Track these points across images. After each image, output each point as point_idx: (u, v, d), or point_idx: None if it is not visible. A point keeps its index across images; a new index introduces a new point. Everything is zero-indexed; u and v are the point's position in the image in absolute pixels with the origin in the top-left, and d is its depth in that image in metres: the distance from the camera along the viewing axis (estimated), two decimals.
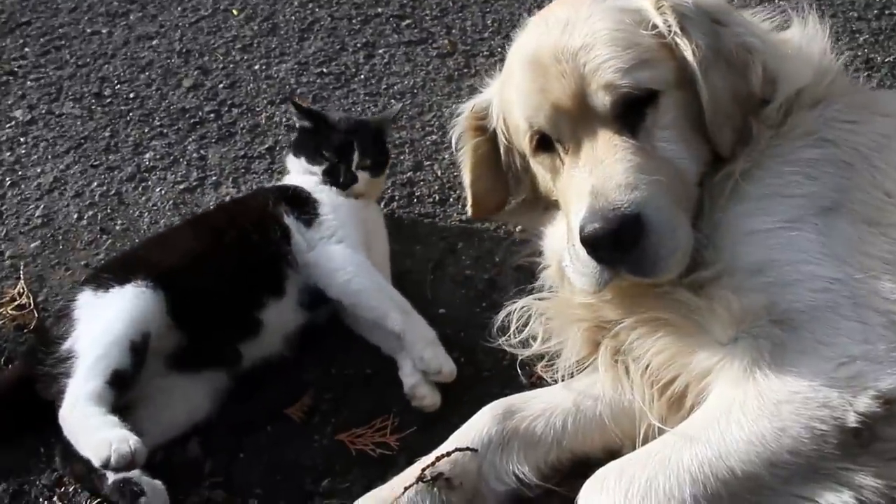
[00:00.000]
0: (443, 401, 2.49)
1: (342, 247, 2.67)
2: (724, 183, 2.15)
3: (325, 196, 2.81)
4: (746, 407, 1.85)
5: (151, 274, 2.45)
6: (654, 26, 2.18)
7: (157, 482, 2.22)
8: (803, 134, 2.16)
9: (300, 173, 2.93)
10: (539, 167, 2.39)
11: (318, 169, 2.86)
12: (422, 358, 2.46)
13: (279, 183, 3.02)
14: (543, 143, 2.29)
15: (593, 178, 2.08)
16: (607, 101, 2.13)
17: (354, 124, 2.95)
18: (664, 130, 2.16)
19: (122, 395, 2.31)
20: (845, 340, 1.85)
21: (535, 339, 2.49)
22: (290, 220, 2.71)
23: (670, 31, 2.17)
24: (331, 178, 2.84)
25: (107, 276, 2.49)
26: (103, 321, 2.36)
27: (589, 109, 2.15)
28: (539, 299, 2.50)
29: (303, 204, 2.77)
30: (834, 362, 1.83)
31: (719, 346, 1.98)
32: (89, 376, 2.27)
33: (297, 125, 3.01)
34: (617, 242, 2.00)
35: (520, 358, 2.50)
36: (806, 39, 2.39)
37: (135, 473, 2.19)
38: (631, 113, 2.15)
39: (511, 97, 2.35)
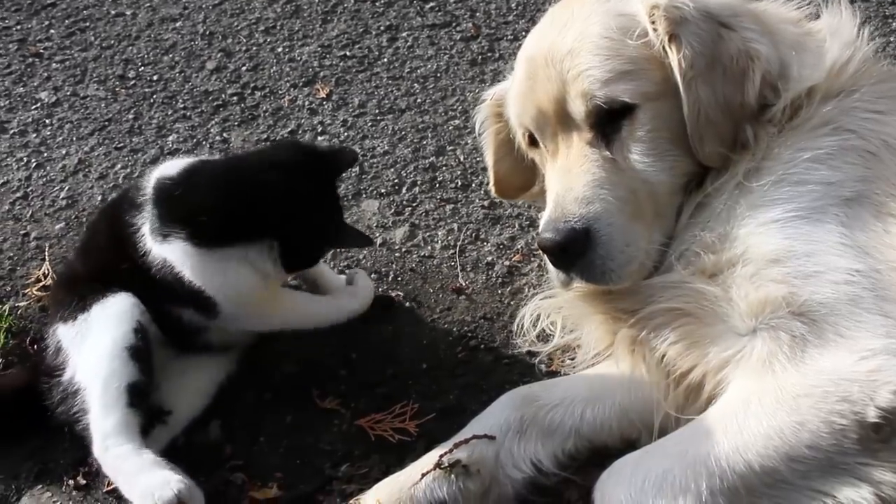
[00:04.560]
0: (462, 388, 2.50)
1: None
2: (724, 186, 2.15)
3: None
4: (764, 400, 1.84)
5: (102, 281, 2.41)
6: (644, 34, 2.17)
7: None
8: (818, 124, 2.12)
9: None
10: (535, 159, 2.49)
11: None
12: None
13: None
14: (534, 140, 2.40)
15: (559, 185, 2.22)
16: (582, 111, 2.19)
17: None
18: (638, 144, 2.19)
19: (147, 399, 2.32)
20: (866, 334, 1.83)
21: (553, 332, 2.51)
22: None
23: (658, 40, 2.16)
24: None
25: (66, 309, 2.42)
26: (92, 345, 2.32)
27: (568, 115, 2.23)
28: (548, 297, 2.54)
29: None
30: (854, 356, 1.82)
31: (737, 337, 1.97)
32: (108, 408, 2.24)
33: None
34: (564, 252, 2.15)
35: (540, 355, 2.53)
36: (832, 30, 2.34)
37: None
38: (607, 123, 2.20)
39: (511, 94, 2.46)
